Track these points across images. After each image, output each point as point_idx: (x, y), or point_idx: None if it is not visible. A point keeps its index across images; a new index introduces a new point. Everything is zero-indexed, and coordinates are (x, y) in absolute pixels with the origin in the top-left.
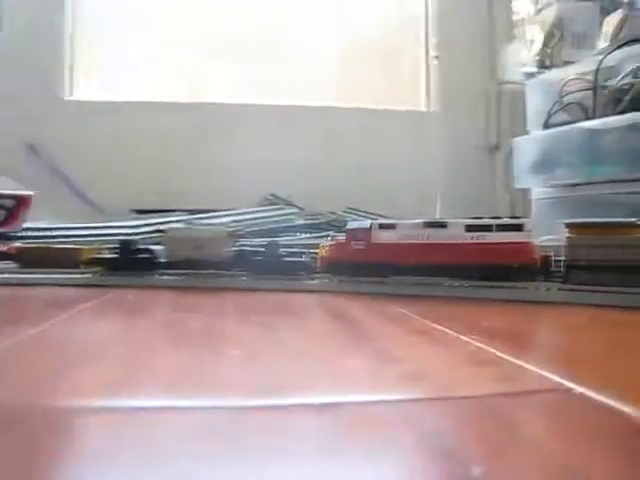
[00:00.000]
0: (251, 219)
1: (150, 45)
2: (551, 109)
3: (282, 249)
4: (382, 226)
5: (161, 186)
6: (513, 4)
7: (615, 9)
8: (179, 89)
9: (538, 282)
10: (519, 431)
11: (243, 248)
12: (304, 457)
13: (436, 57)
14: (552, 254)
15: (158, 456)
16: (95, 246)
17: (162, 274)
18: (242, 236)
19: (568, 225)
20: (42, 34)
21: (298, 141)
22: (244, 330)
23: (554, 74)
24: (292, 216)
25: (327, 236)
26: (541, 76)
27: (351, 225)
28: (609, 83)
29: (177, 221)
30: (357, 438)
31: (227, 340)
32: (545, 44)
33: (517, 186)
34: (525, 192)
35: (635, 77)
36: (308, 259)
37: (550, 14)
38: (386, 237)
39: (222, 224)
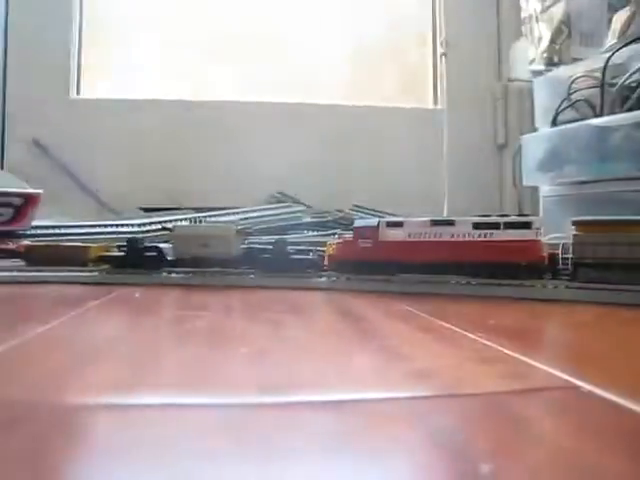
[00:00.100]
0: (259, 217)
1: (158, 44)
2: (559, 106)
3: (290, 247)
4: (389, 224)
5: (169, 184)
6: (521, 1)
7: (623, 6)
8: (187, 88)
9: (545, 280)
10: (527, 429)
11: (251, 246)
12: (311, 455)
13: (444, 55)
14: (560, 252)
15: (165, 453)
16: (103, 244)
17: (170, 272)
18: (250, 234)
19: (575, 223)
20: (50, 34)
21: (305, 139)
22: (251, 328)
23: (562, 71)
24: (300, 214)
25: (334, 234)
26: (549, 73)
27: (358, 223)
28: (617, 80)
29: (184, 219)
30: (365, 436)
31: (234, 338)
32: (553, 41)
33: (525, 184)
34: (533, 190)
35: None
36: (315, 257)
37: (558, 11)
38: (393, 235)
39: (230, 222)
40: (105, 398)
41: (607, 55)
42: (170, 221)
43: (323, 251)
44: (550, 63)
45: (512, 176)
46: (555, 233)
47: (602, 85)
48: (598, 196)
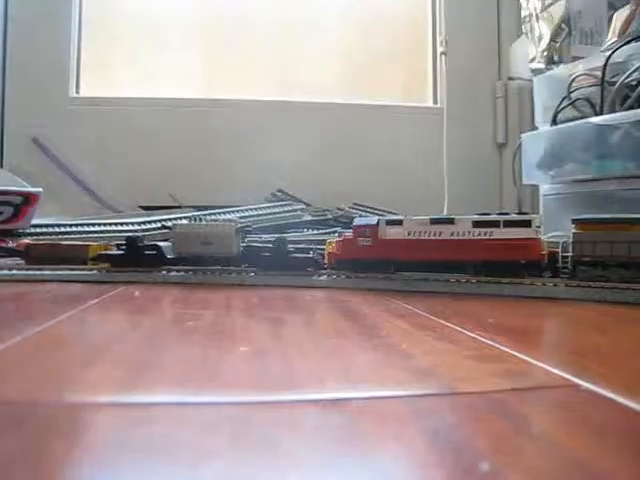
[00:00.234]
0: (259, 215)
1: (157, 43)
2: (559, 105)
3: (290, 245)
4: (389, 222)
5: (169, 182)
6: (521, 0)
7: (623, 4)
8: (187, 86)
9: (545, 278)
10: (527, 427)
11: (251, 244)
12: (313, 452)
13: (443, 54)
14: (559, 250)
15: (166, 452)
16: (103, 243)
17: (169, 270)
18: (250, 232)
19: (575, 221)
20: (49, 32)
21: (305, 137)
22: (252, 326)
23: (562, 70)
24: (299, 212)
25: (334, 232)
26: (549, 72)
27: (358, 221)
28: (617, 79)
29: (184, 217)
30: (364, 434)
31: (235, 336)
32: (553, 40)
33: (525, 182)
34: (533, 188)
35: None
36: (315, 255)
37: (558, 9)
38: (393, 233)
39: (230, 220)
40: (106, 397)
41: (607, 53)
42: (170, 219)
43: (323, 249)
44: (550, 61)
45: (512, 174)
46: (555, 231)
47: (602, 83)
48: (598, 194)
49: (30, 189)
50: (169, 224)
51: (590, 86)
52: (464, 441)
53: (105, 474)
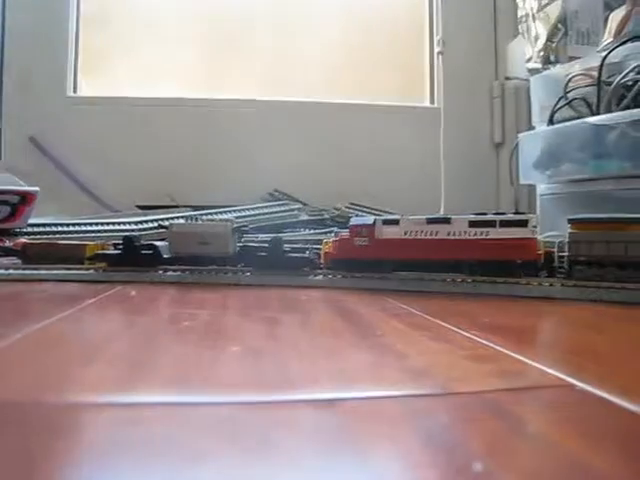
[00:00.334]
0: (255, 215)
1: (154, 43)
2: (556, 105)
3: (286, 245)
4: (386, 222)
5: (165, 182)
6: (517, 0)
7: (619, 5)
8: (184, 86)
9: (541, 278)
10: (521, 427)
11: (247, 244)
12: (308, 452)
13: (440, 53)
14: (555, 250)
15: (162, 452)
16: (100, 242)
17: (166, 270)
18: (246, 232)
19: (571, 221)
20: (47, 31)
21: (302, 137)
22: (248, 326)
23: (559, 70)
24: (296, 212)
25: (331, 232)
26: (545, 72)
27: (355, 221)
28: (613, 79)
29: (181, 217)
30: (359, 434)
31: (231, 336)
32: (549, 40)
33: (522, 182)
34: (530, 188)
35: (639, 73)
36: (312, 255)
37: (554, 10)
38: (389, 233)
39: (226, 220)
40: (102, 397)
41: (603, 54)
42: (167, 219)
43: (319, 249)
44: (547, 61)
45: (509, 174)
46: (551, 231)
47: (598, 83)
48: (594, 194)
49: (27, 188)
50: (166, 224)
51: (586, 86)
52: (458, 441)
53: (101, 475)
